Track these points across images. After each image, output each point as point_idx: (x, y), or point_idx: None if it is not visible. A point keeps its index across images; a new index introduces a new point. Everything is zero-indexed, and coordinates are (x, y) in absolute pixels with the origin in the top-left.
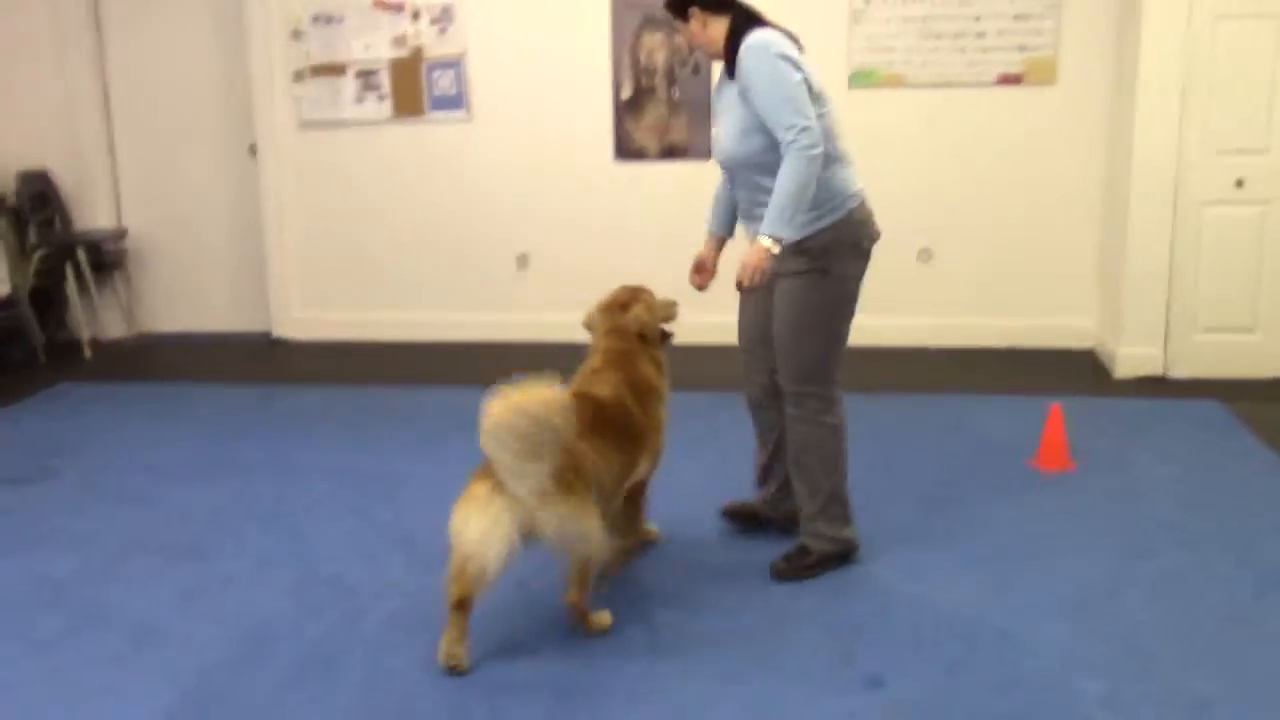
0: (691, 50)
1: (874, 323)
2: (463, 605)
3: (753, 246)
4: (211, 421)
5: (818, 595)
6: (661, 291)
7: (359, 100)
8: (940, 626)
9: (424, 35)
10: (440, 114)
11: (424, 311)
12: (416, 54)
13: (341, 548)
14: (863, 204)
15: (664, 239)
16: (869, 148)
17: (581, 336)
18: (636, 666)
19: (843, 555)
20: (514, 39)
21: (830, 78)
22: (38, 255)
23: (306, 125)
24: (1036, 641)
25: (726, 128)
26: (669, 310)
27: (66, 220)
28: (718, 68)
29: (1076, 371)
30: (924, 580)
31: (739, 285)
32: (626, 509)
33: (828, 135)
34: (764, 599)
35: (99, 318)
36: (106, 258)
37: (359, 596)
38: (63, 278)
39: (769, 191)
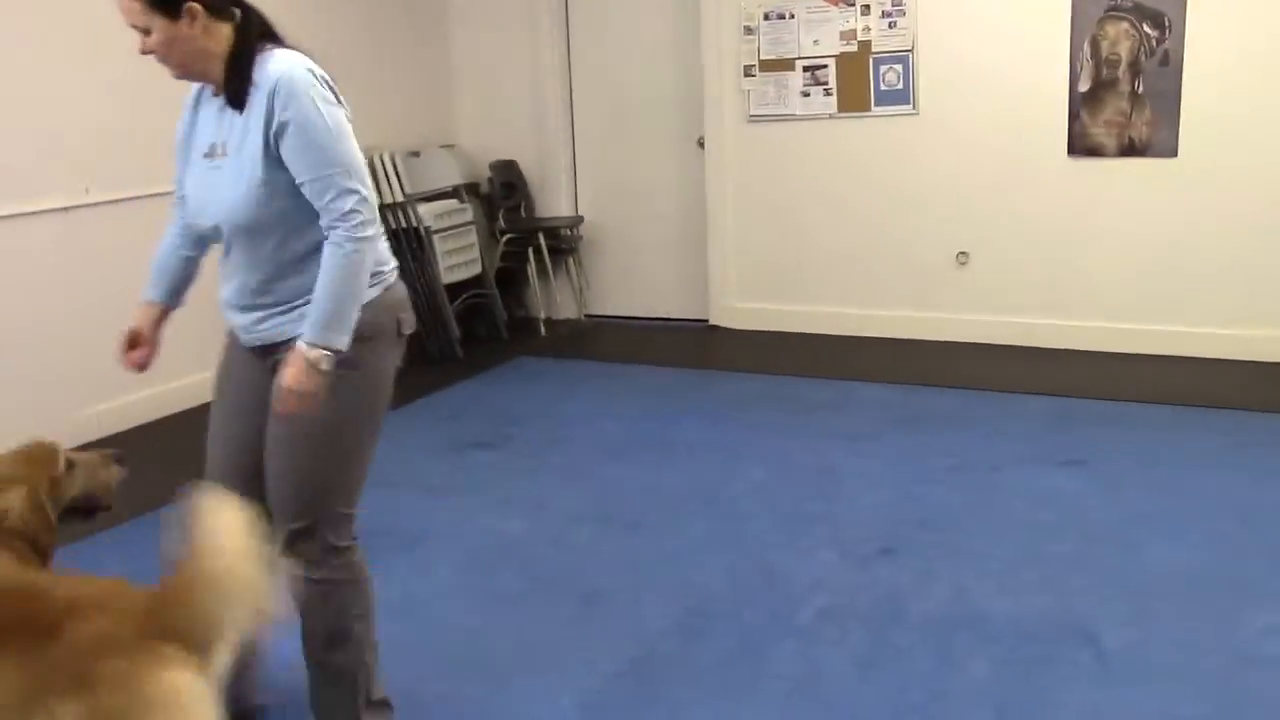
0: (1161, 41)
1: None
2: None
3: (291, 359)
4: (652, 400)
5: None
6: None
7: (805, 94)
8: None
9: (873, 29)
10: (886, 109)
11: (859, 307)
12: (864, 48)
13: (776, 536)
14: (399, 280)
15: (1118, 241)
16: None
17: (1023, 338)
18: None
19: None
20: (965, 31)
21: None
22: (504, 239)
23: (754, 119)
24: None
25: (225, 179)
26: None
27: (530, 208)
28: (1195, 57)
29: None
30: None
31: (278, 413)
32: None
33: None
34: (1224, 635)
35: (554, 299)
36: (563, 243)
37: (793, 586)
38: (525, 260)
39: (295, 267)
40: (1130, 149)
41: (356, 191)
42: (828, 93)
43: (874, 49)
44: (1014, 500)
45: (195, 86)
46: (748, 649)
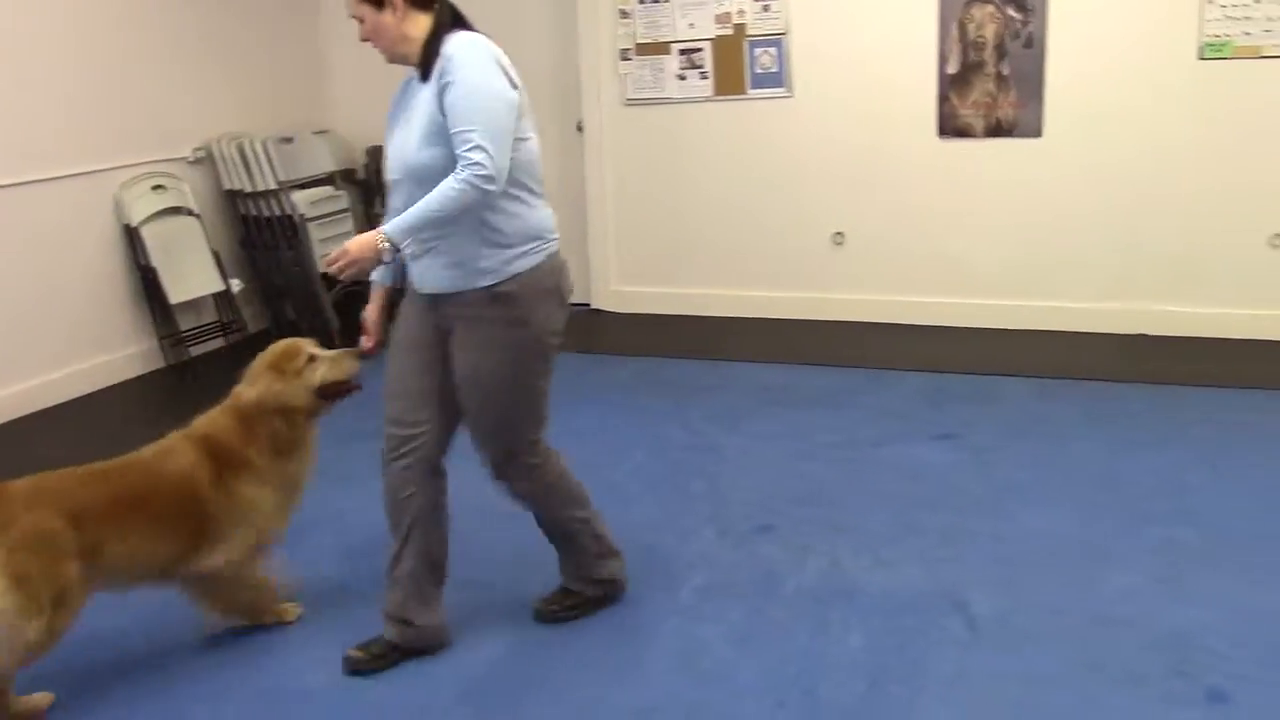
0: (1025, 24)
1: (1216, 311)
2: None
3: (364, 235)
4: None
5: (1145, 600)
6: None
7: (681, 78)
8: None
9: (747, 12)
10: (761, 91)
11: (739, 288)
12: (739, 31)
13: (658, 517)
14: (559, 250)
15: (988, 220)
16: (1218, 124)
17: (897, 316)
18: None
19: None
20: (837, 14)
21: (1178, 49)
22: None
23: (631, 103)
24: None
25: (407, 135)
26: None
27: None
28: (1058, 40)
29: None
30: (1275, 590)
31: (327, 266)
32: (239, 594)
33: (529, 166)
34: (1083, 598)
35: None
36: None
37: (674, 565)
38: None
39: (458, 226)
40: (997, 129)
41: (486, 150)
42: (704, 76)
43: (749, 32)
44: (889, 475)
45: (401, 81)
46: (629, 629)
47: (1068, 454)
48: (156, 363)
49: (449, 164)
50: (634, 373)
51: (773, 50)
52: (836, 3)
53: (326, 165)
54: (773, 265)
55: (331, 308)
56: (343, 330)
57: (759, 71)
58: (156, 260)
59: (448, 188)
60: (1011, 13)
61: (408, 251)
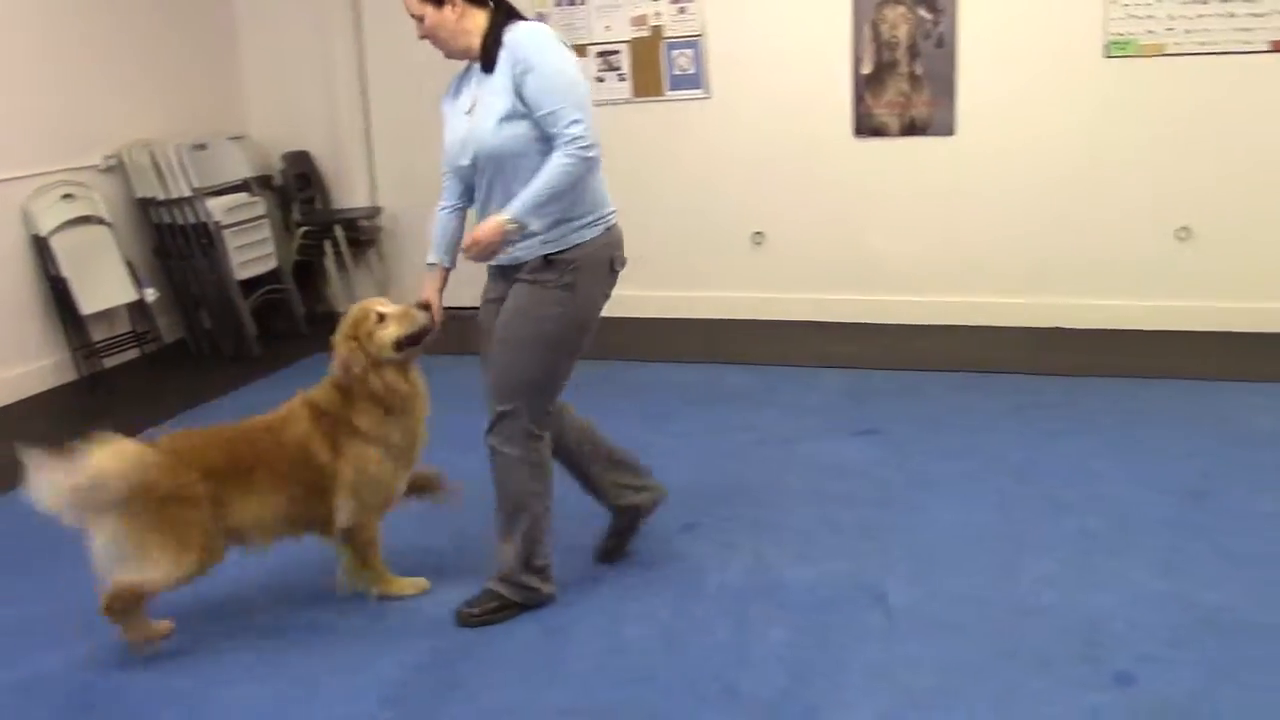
0: (936, 24)
1: (1126, 304)
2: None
3: (490, 219)
4: (455, 391)
5: (1058, 587)
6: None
7: (600, 80)
8: (1200, 625)
9: (664, 14)
10: (679, 93)
11: (659, 289)
12: (656, 33)
13: (581, 517)
14: (617, 223)
15: (904, 218)
16: (1125, 120)
17: (818, 314)
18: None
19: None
20: (753, 16)
21: (1084, 48)
22: (300, 232)
23: None
24: None
25: (480, 121)
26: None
27: (326, 199)
28: (969, 40)
29: None
30: (1180, 575)
31: (464, 252)
32: (355, 554)
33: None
34: (1000, 587)
35: (355, 292)
36: (361, 234)
37: (595, 566)
38: (322, 254)
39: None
40: (912, 128)
41: (581, 121)
42: (621, 78)
43: (666, 34)
44: (812, 471)
45: (453, 78)
46: (550, 630)
47: (985, 446)
48: (69, 375)
49: (527, 143)
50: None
51: (690, 52)
52: (752, 4)
53: (242, 171)
54: (693, 265)
55: (249, 315)
56: (260, 337)
57: (677, 73)
58: (67, 270)
59: (556, 165)
60: (923, 13)
61: (533, 229)
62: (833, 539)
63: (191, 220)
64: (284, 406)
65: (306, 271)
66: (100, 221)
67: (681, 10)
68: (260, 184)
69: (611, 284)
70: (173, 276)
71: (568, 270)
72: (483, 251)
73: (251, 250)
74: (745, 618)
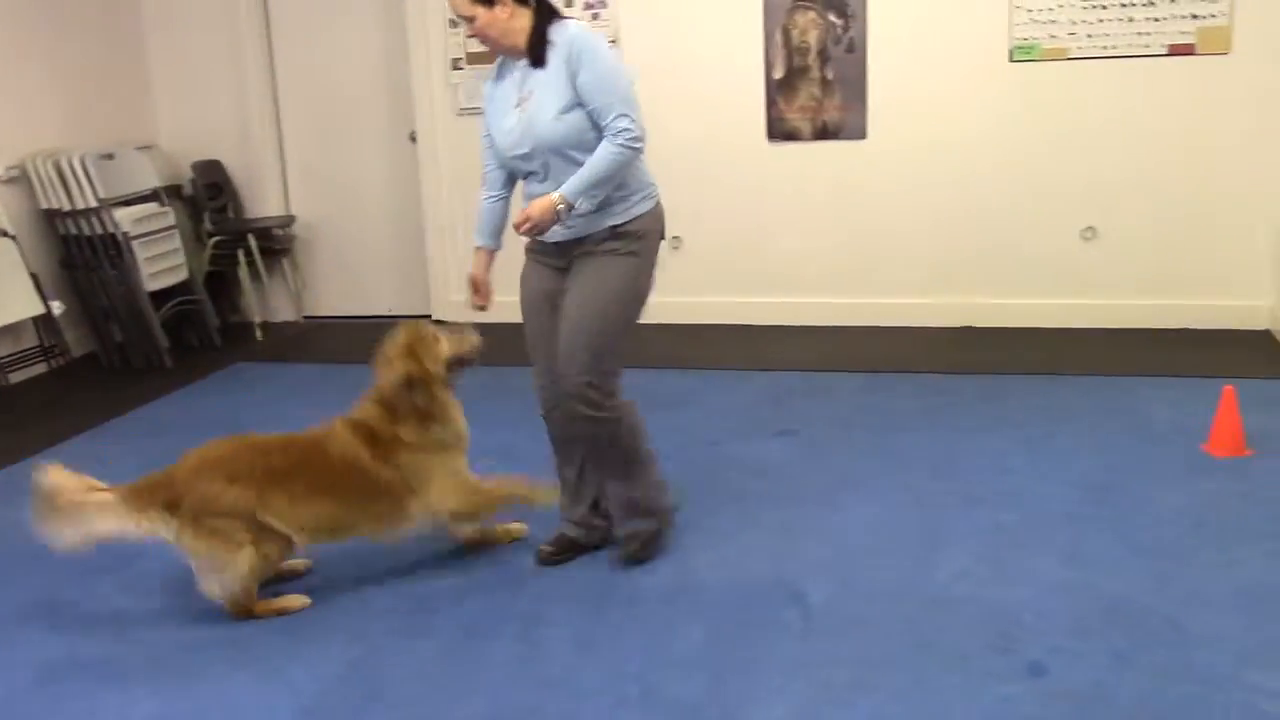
0: (846, 29)
1: (1035, 303)
2: None
3: (543, 199)
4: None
5: (972, 581)
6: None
7: None
8: (1105, 615)
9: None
10: None
11: None
12: None
13: (502, 521)
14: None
15: (818, 221)
16: (1031, 123)
17: (736, 317)
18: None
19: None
20: (664, 21)
21: (990, 53)
22: (212, 242)
23: (464, 113)
24: (1208, 633)
25: (535, 113)
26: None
27: (238, 209)
28: (878, 44)
29: (1251, 353)
30: (1087, 567)
31: (516, 228)
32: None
33: None
34: (915, 582)
35: (269, 302)
36: (276, 244)
37: (512, 572)
38: (235, 264)
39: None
40: (824, 133)
41: (628, 115)
42: None
43: None
44: (732, 472)
45: (491, 71)
46: (469, 637)
47: (900, 444)
48: None
49: (580, 132)
50: (478, 382)
51: None
52: (664, 10)
53: (151, 181)
54: None
55: (160, 328)
56: (173, 350)
57: None
58: None
59: (605, 153)
60: (833, 18)
61: (582, 209)
62: (753, 538)
63: (99, 231)
64: (327, 424)
65: (219, 282)
66: (3, 234)
67: (595, 16)
68: (170, 194)
69: (659, 250)
70: (81, 289)
71: (634, 239)
72: (535, 227)
73: (162, 261)
74: (666, 620)
